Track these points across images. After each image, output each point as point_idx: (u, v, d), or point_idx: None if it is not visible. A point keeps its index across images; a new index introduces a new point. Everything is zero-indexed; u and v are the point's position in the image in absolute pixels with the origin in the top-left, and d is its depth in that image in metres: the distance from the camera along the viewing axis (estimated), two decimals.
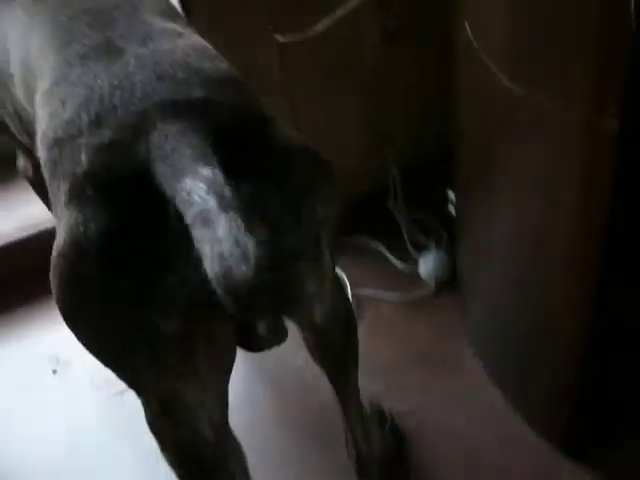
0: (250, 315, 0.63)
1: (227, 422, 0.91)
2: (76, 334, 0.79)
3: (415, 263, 1.73)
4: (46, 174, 0.82)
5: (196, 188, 0.66)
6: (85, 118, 0.76)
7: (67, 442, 1.52)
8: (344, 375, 1.12)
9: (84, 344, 0.80)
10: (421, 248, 1.75)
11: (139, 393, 0.86)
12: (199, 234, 0.64)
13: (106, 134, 0.75)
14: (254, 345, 0.89)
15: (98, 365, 0.81)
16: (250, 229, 0.63)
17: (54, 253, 0.77)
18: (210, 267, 0.62)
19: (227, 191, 0.66)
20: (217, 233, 0.63)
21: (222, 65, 0.84)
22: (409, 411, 1.43)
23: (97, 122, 0.76)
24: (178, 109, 0.75)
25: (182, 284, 0.73)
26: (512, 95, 0.97)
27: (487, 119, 1.13)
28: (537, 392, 1.33)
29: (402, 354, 1.55)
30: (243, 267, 0.61)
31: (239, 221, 0.63)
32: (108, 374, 0.96)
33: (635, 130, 0.84)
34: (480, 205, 1.32)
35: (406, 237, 1.78)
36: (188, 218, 0.65)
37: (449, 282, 1.67)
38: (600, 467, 1.29)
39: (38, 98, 0.86)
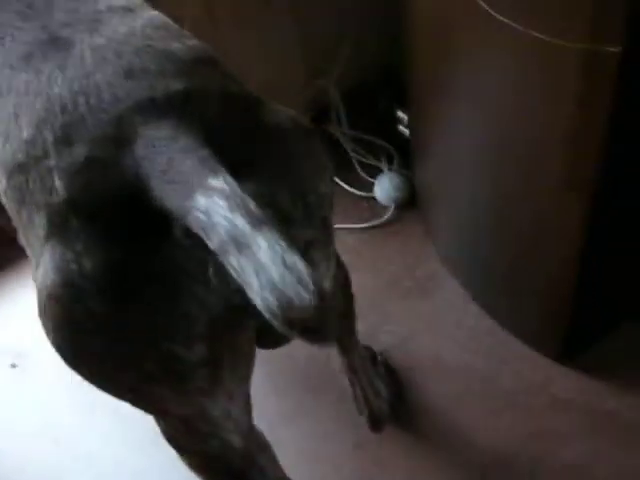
0: (315, 339, 0.56)
1: (252, 422, 0.86)
2: (83, 375, 0.71)
3: (370, 189, 1.67)
4: (8, 203, 0.70)
5: (214, 206, 0.57)
6: (49, 136, 0.64)
7: (45, 435, 1.43)
8: (348, 335, 1.08)
9: (92, 383, 0.72)
10: (373, 173, 1.69)
11: (159, 417, 0.79)
12: (236, 262, 0.55)
13: (79, 152, 0.63)
14: (268, 343, 0.82)
15: None
16: (290, 244, 0.56)
17: (42, 294, 0.66)
18: (261, 299, 0.54)
19: (251, 203, 0.57)
20: (259, 258, 0.54)
21: (190, 42, 0.72)
22: (396, 344, 1.41)
23: (65, 139, 0.64)
24: (158, 109, 0.64)
25: (201, 307, 0.66)
26: (494, 21, 0.89)
27: (456, 41, 1.05)
28: (522, 302, 1.33)
29: (377, 285, 1.52)
30: (304, 293, 0.53)
31: (279, 239, 0.55)
32: None
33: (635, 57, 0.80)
34: (441, 121, 1.25)
35: (356, 163, 1.71)
36: (213, 243, 0.56)
37: (409, 203, 1.64)
38: (586, 370, 1.33)
39: None
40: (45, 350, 0.71)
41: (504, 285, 1.36)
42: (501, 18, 0.89)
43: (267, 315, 0.54)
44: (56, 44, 0.68)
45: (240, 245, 0.55)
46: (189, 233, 0.61)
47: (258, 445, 0.89)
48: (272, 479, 0.89)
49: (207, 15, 1.44)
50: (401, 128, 1.58)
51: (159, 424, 0.82)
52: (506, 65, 0.97)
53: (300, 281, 0.53)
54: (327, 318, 0.54)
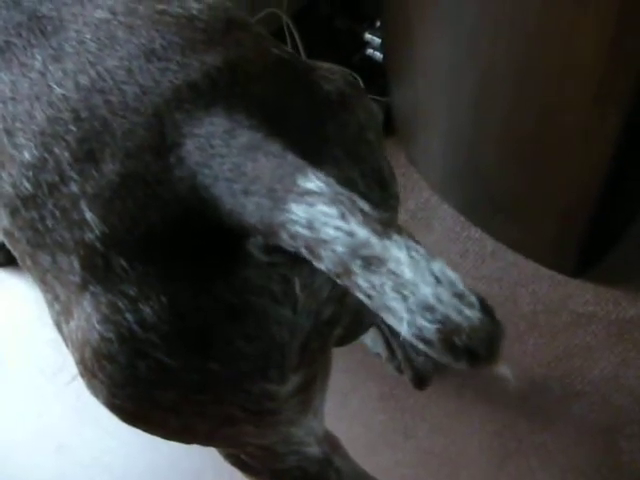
0: (481, 362, 0.45)
1: (324, 424, 0.77)
2: (146, 431, 0.58)
3: None
4: (16, 246, 0.54)
5: (318, 215, 0.44)
6: (63, 154, 0.49)
7: (46, 441, 1.31)
8: None
9: (158, 436, 0.60)
10: None
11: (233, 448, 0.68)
12: (367, 283, 0.43)
13: (111, 170, 0.49)
14: (342, 343, 0.72)
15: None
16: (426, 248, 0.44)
17: (84, 352, 0.53)
18: (411, 326, 0.42)
19: (361, 202, 0.45)
20: (402, 274, 0.42)
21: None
22: None
23: (87, 155, 0.49)
24: (202, 96, 0.50)
25: (291, 334, 0.54)
26: None
27: None
28: (532, 221, 1.26)
29: None
30: (468, 311, 0.42)
31: (415, 244, 0.43)
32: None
33: None
34: (431, 37, 1.13)
35: None
36: (326, 263, 0.44)
37: (385, 131, 1.51)
38: (601, 281, 1.29)
39: None
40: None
41: (510, 206, 1.28)
42: None
43: (419, 344, 0.43)
44: (39, 26, 0.51)
45: (369, 261, 0.43)
46: (269, 249, 0.49)
47: (331, 446, 0.80)
48: (348, 475, 0.81)
49: None
50: (370, 51, 1.43)
51: (224, 452, 0.71)
52: None
53: (458, 295, 0.42)
54: (499, 335, 0.43)
